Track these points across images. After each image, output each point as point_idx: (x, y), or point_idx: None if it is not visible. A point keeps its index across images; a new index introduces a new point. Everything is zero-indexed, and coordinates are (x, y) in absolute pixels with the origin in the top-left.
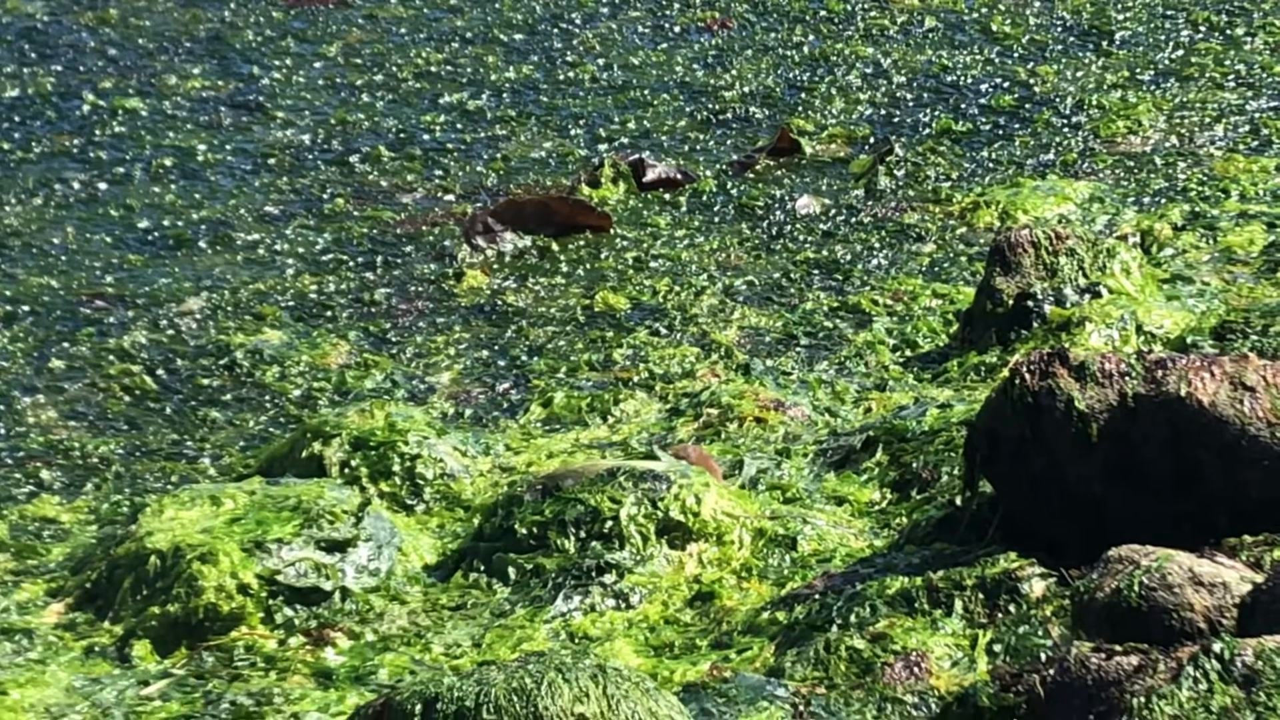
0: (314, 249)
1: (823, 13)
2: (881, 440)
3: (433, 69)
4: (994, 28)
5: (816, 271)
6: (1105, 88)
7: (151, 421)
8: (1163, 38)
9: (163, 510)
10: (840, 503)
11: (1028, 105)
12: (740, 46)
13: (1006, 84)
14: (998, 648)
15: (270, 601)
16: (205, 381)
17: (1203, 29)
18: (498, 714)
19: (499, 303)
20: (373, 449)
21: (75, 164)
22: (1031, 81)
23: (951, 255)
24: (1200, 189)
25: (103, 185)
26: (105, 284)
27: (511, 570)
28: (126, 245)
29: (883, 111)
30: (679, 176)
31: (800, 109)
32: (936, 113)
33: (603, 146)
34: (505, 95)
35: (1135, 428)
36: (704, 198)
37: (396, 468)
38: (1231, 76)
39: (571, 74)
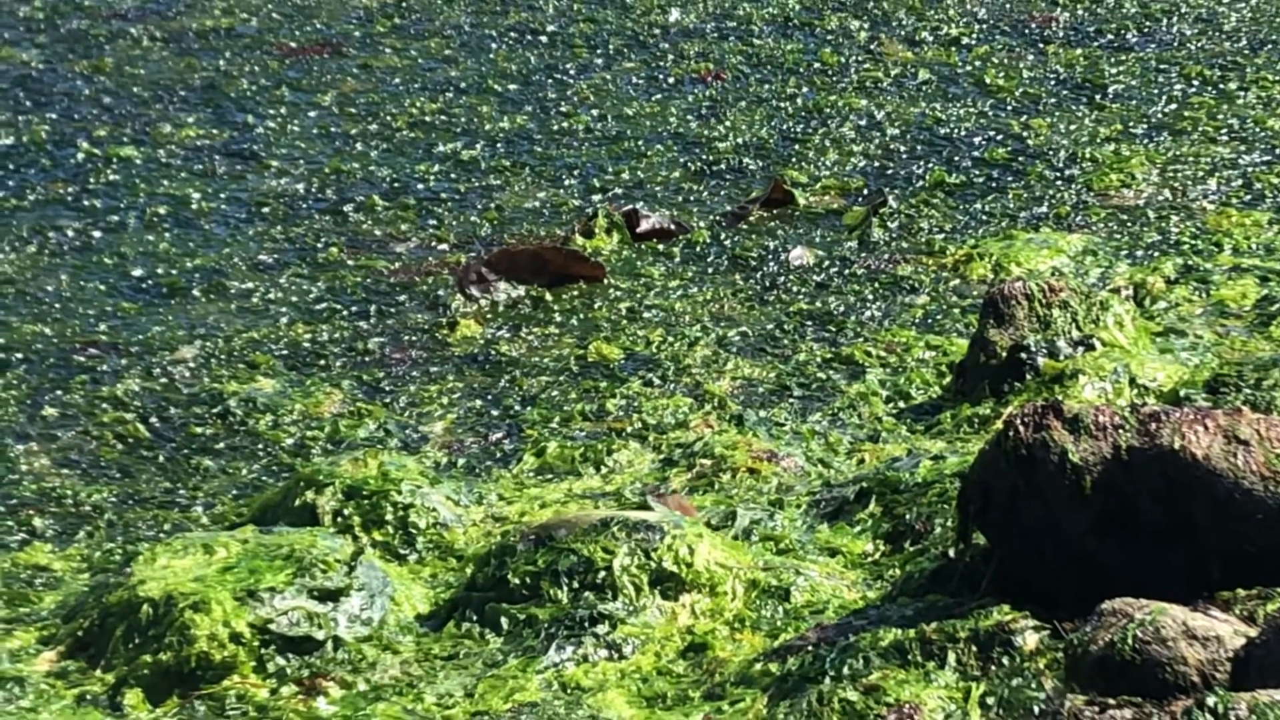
0: (308, 298)
1: (816, 65)
2: (875, 492)
3: (427, 118)
4: (987, 80)
5: (810, 323)
6: (1098, 141)
7: (144, 469)
8: (1156, 91)
9: (155, 558)
10: (833, 554)
11: (1021, 158)
12: (734, 98)
13: (1000, 137)
14: (991, 700)
15: (262, 650)
16: (198, 430)
17: (1195, 83)
18: None
19: (492, 352)
20: (366, 498)
21: (69, 212)
22: (1025, 134)
23: (945, 307)
24: (1193, 242)
25: (97, 233)
26: (99, 332)
27: (504, 620)
28: (120, 293)
29: (876, 163)
30: (672, 227)
31: (794, 160)
32: (930, 165)
33: (596, 197)
34: (499, 145)
35: (1129, 481)
36: (697, 248)
37: (389, 517)
38: (1224, 130)
39: (565, 124)
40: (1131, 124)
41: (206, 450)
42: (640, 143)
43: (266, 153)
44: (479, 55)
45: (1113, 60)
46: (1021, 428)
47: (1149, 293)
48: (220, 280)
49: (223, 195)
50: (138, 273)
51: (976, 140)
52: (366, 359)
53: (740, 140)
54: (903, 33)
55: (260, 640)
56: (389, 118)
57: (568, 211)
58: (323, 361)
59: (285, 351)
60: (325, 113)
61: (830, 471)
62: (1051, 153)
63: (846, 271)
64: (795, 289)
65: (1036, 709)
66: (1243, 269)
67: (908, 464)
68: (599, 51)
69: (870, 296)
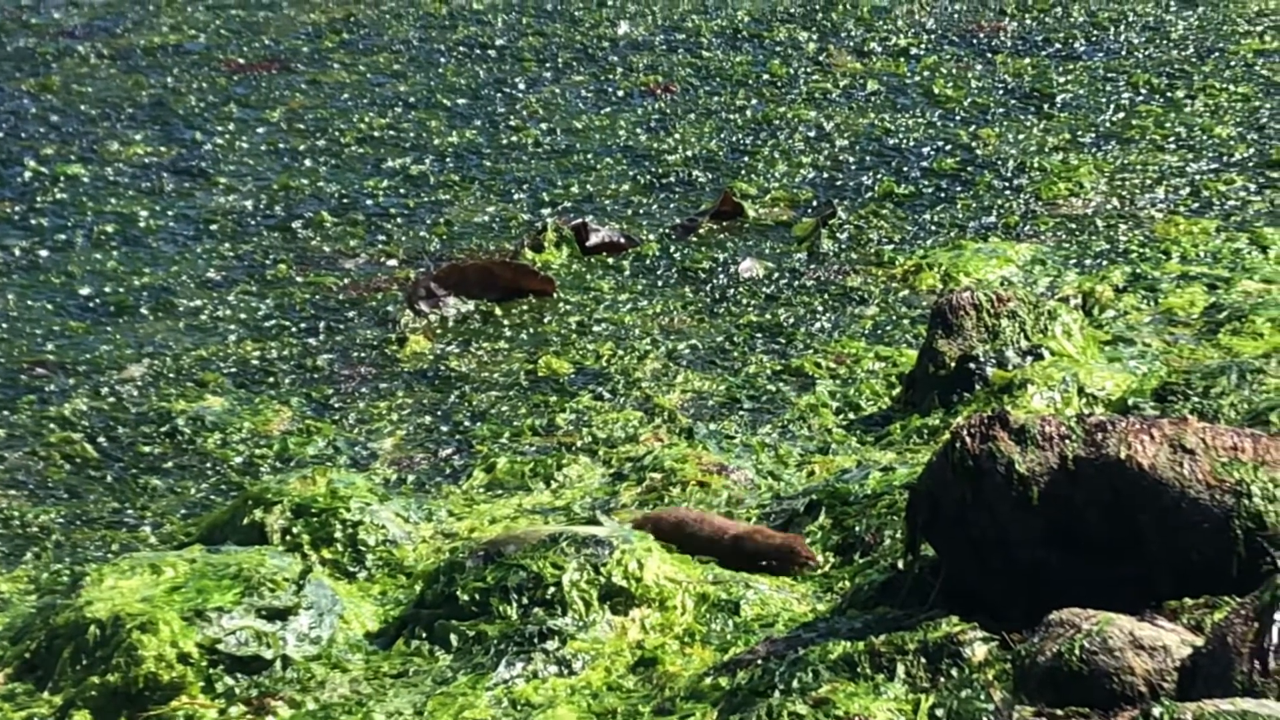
0: (256, 315)
1: (765, 76)
2: (824, 504)
3: (376, 134)
4: (936, 91)
5: (760, 335)
6: (1047, 150)
7: (92, 490)
8: (1104, 100)
9: (103, 579)
10: None
11: (970, 168)
12: (683, 110)
13: (948, 147)
14: (940, 712)
15: (211, 670)
16: (146, 449)
17: (1143, 92)
18: None
19: (442, 368)
20: (314, 516)
21: (16, 231)
22: (973, 144)
23: (894, 318)
24: (1141, 251)
25: (44, 252)
26: (46, 351)
27: (454, 637)
28: (68, 312)
29: (825, 175)
30: (622, 240)
31: (743, 172)
32: (879, 176)
33: (546, 210)
34: (448, 160)
35: (1076, 491)
36: (647, 261)
37: (338, 534)
38: (1172, 139)
39: (515, 138)
40: (1080, 133)
41: (154, 469)
42: (589, 156)
43: (215, 170)
44: (428, 70)
45: (1061, 69)
46: (968, 439)
47: (1097, 301)
48: (168, 298)
49: (171, 213)
50: (85, 291)
51: (925, 151)
52: (315, 376)
53: (689, 153)
54: (851, 44)
55: (208, 660)
56: (337, 133)
57: (517, 226)
58: (271, 379)
59: (234, 369)
60: (274, 129)
61: (780, 484)
62: (1000, 162)
63: (796, 283)
64: (745, 301)
65: None
66: (1190, 277)
67: (857, 476)
68: (548, 65)
69: (820, 308)
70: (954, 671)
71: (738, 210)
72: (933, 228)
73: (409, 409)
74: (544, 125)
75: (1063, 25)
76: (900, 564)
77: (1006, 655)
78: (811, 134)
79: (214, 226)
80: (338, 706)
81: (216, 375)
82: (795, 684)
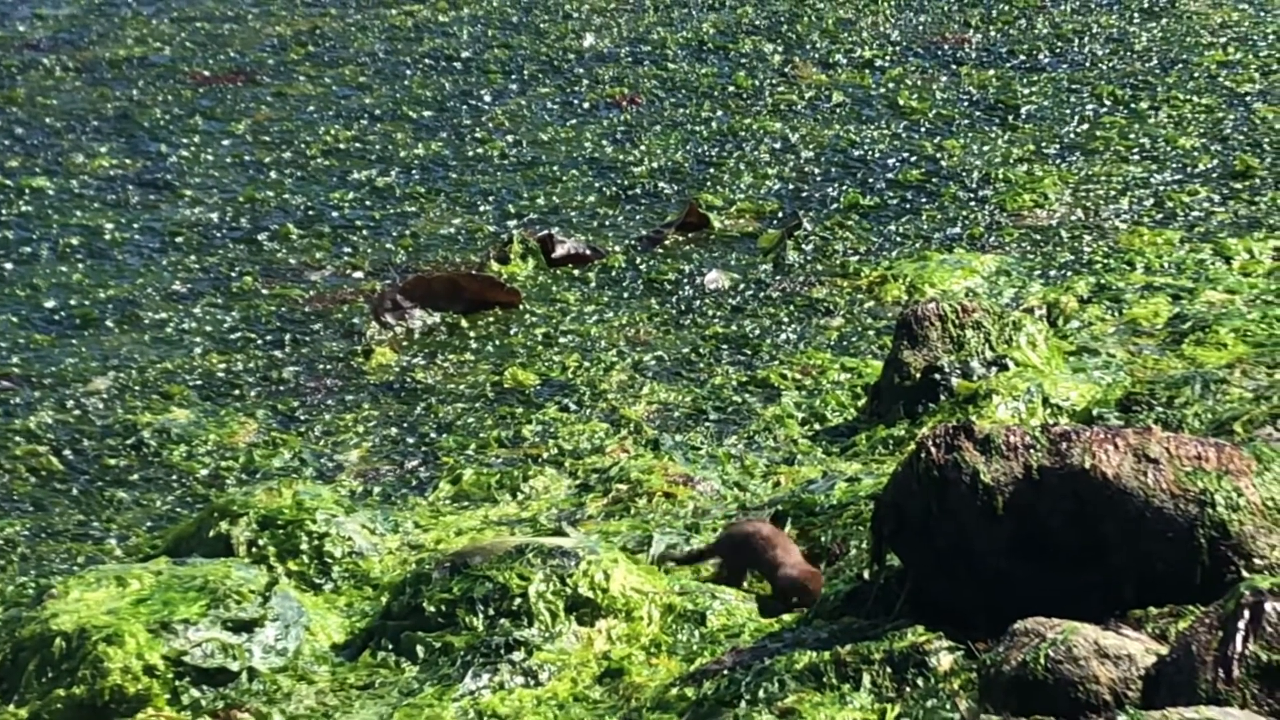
0: (222, 327)
1: (731, 88)
2: (790, 514)
3: (341, 146)
4: (901, 102)
5: (725, 346)
6: (1011, 162)
7: (58, 502)
8: (1068, 112)
9: (68, 591)
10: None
11: (935, 179)
12: (649, 122)
13: (913, 158)
14: None
15: (177, 682)
16: (112, 461)
17: (1107, 103)
18: None
19: (408, 380)
20: (280, 528)
21: None
22: (938, 156)
23: (859, 329)
24: (1105, 261)
25: (9, 265)
26: (11, 364)
27: (420, 648)
28: (33, 325)
29: (791, 186)
30: (588, 252)
31: (709, 184)
32: (844, 187)
33: (512, 223)
34: (414, 172)
35: (1041, 500)
36: (613, 273)
37: (304, 546)
38: (1136, 150)
39: (480, 150)
40: (1044, 144)
41: (120, 482)
42: (555, 168)
43: (180, 182)
44: (393, 82)
45: (1025, 81)
46: (933, 449)
47: (1062, 312)
48: (134, 311)
49: (136, 225)
50: (50, 304)
51: (890, 162)
52: (281, 388)
53: (655, 164)
54: (816, 55)
55: (174, 672)
56: (303, 145)
57: (483, 237)
58: (237, 391)
59: (199, 382)
60: (239, 141)
61: (746, 494)
62: (965, 174)
63: (762, 294)
64: (711, 312)
65: None
66: (1155, 287)
67: (823, 486)
68: (514, 77)
69: (785, 319)
70: (920, 681)
71: (703, 222)
72: (898, 239)
73: (375, 421)
74: (510, 137)
75: (1027, 37)
76: (866, 574)
77: (972, 665)
78: (777, 145)
79: (179, 239)
80: (304, 718)
81: (182, 388)
82: (761, 694)
